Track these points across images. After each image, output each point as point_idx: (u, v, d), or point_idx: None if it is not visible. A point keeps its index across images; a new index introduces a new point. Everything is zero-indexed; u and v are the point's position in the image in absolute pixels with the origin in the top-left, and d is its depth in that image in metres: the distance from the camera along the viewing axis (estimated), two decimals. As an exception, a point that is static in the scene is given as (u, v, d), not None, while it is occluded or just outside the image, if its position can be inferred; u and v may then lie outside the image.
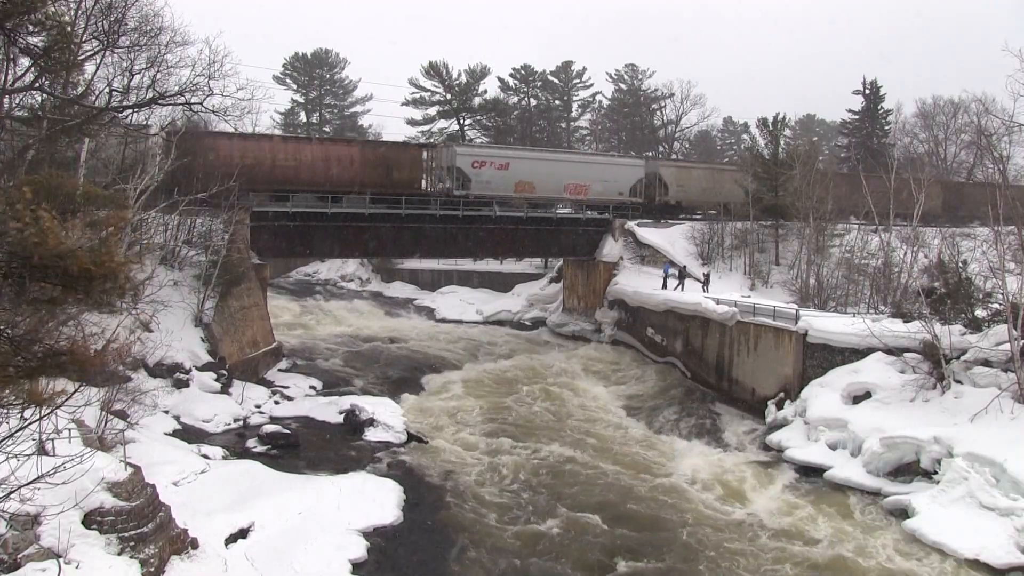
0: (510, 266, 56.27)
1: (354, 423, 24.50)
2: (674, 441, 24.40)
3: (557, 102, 79.06)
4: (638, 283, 38.43)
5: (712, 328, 30.77)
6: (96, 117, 25.50)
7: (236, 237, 30.51)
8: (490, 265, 56.49)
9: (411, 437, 23.69)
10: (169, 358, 25.01)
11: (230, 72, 27.68)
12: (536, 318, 47.89)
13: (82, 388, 12.36)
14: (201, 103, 27.43)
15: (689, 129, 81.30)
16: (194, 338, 27.19)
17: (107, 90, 27.25)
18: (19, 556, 11.07)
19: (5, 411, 8.68)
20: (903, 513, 18.20)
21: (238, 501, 16.89)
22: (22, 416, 9.04)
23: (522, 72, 75.50)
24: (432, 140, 63.40)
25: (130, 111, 28.49)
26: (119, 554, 12.46)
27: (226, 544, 15.19)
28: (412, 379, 31.85)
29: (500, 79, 75.29)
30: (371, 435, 23.82)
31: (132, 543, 12.74)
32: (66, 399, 11.05)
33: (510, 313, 49.08)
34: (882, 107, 69.95)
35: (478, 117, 70.84)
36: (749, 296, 33.07)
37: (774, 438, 23.89)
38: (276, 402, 27.20)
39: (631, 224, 42.59)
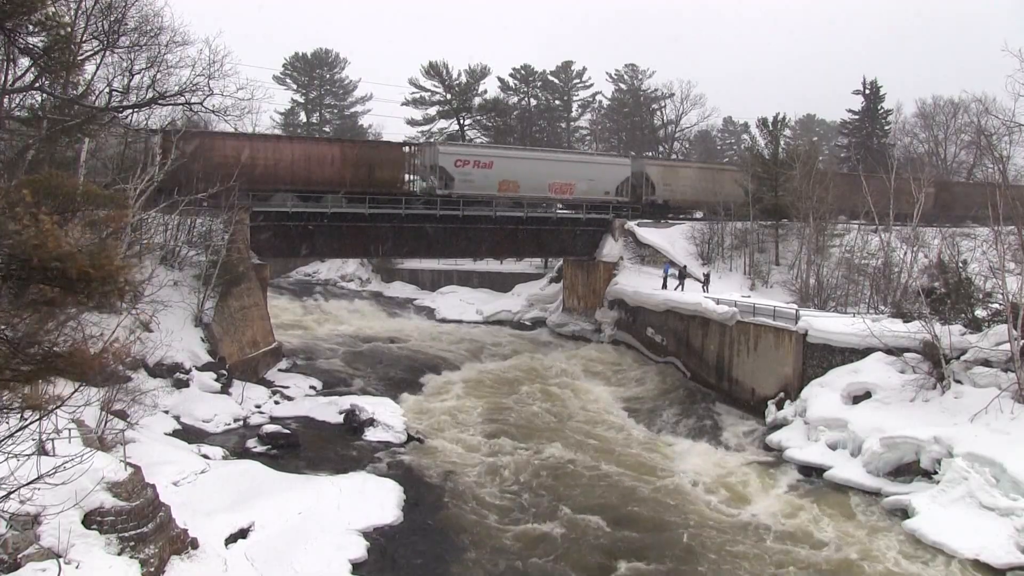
0: (510, 266, 56.27)
1: (354, 423, 24.51)
2: (674, 441, 24.40)
3: (557, 102, 79.09)
4: (638, 283, 38.42)
5: (712, 328, 30.77)
6: (96, 117, 25.54)
7: (236, 237, 30.50)
8: (490, 265, 56.49)
9: (411, 437, 23.69)
10: (169, 358, 25.01)
11: (230, 72, 27.80)
12: (536, 318, 47.89)
13: (82, 388, 12.38)
14: (201, 103, 27.52)
15: (689, 129, 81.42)
16: (194, 338, 27.19)
17: (107, 90, 27.30)
18: (19, 556, 11.07)
19: (5, 412, 8.69)
20: (903, 513, 18.21)
21: (238, 501, 16.89)
22: (22, 416, 9.04)
23: (522, 72, 75.54)
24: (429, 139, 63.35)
25: (130, 111, 28.53)
26: (119, 554, 12.46)
27: (226, 544, 15.20)
28: (412, 379, 31.85)
29: (500, 79, 75.44)
30: (371, 435, 23.82)
31: (132, 543, 12.74)
32: (66, 399, 11.07)
33: (510, 313, 49.08)
34: (882, 107, 70.01)
35: (478, 117, 70.88)
36: (749, 296, 33.06)
37: (774, 438, 23.89)
38: (276, 402, 27.20)
39: (631, 224, 42.58)
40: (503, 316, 48.69)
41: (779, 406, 25.85)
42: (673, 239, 41.62)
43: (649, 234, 41.86)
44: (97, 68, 27.03)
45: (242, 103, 29.84)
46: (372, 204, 36.17)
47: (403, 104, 70.76)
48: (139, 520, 13.05)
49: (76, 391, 11.98)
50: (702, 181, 47.44)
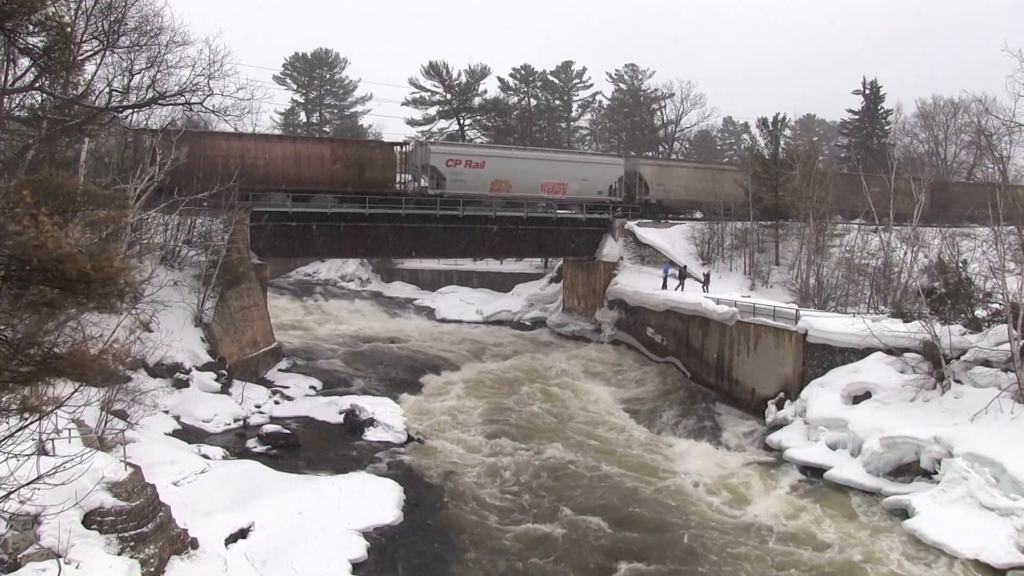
0: (510, 266, 56.28)
1: (354, 423, 24.51)
2: (675, 442, 24.39)
3: (557, 102, 79.11)
4: (638, 283, 38.43)
5: (712, 328, 30.77)
6: (96, 117, 25.53)
7: (236, 237, 30.49)
8: (490, 265, 56.50)
9: (411, 437, 23.70)
10: (169, 358, 25.01)
11: (230, 72, 27.78)
12: (536, 318, 47.90)
13: (82, 388, 12.38)
14: (201, 103, 27.51)
15: (689, 129, 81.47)
16: (194, 338, 27.19)
17: (107, 90, 27.30)
18: (19, 556, 11.08)
19: (5, 412, 8.69)
20: (903, 513, 18.20)
21: (238, 501, 16.89)
22: (22, 416, 9.05)
23: (522, 72, 75.56)
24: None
25: (130, 111, 28.53)
26: (119, 554, 12.46)
27: (226, 544, 15.20)
28: (412, 379, 31.85)
29: (500, 79, 75.46)
30: (371, 435, 23.83)
31: (132, 543, 12.75)
32: (66, 399, 11.07)
33: (510, 313, 49.09)
34: (882, 107, 69.98)
35: (478, 117, 70.89)
36: (749, 296, 33.07)
37: (774, 438, 23.89)
38: (276, 402, 27.20)
39: (631, 224, 42.58)
40: (503, 316, 48.70)
41: (779, 406, 25.85)
42: (673, 239, 41.61)
43: (649, 234, 41.85)
44: (97, 68, 27.06)
45: (242, 103, 29.88)
46: (364, 204, 35.94)
47: (403, 104, 70.87)
48: (139, 520, 13.05)
49: (76, 391, 11.99)
50: (697, 181, 47.32)
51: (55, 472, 9.18)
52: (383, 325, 45.70)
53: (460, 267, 56.65)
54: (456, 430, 24.71)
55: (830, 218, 39.39)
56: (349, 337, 40.75)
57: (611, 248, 41.95)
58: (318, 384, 30.30)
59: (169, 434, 21.60)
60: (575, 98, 79.93)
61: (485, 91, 71.61)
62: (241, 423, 24.45)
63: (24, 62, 22.96)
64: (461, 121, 70.15)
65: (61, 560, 11.26)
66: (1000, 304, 21.89)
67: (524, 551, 16.43)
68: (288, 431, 23.42)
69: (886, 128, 70.11)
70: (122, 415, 18.71)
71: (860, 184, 39.92)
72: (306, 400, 27.71)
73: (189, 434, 22.35)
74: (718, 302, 30.82)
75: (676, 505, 18.97)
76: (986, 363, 21.65)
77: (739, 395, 28.77)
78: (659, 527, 17.71)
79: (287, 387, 29.01)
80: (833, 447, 21.93)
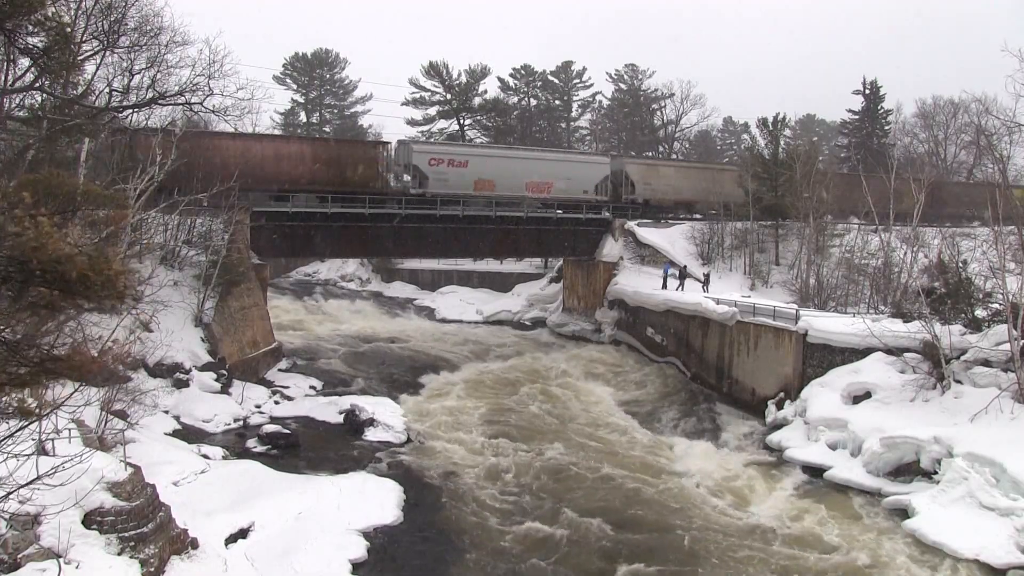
0: (510, 266, 56.27)
1: (354, 423, 24.52)
2: (675, 442, 24.37)
3: (557, 102, 79.09)
4: (638, 283, 38.43)
5: (712, 328, 30.77)
6: (96, 117, 25.53)
7: (236, 237, 30.49)
8: (490, 265, 56.50)
9: (411, 438, 23.69)
10: (169, 358, 25.01)
11: (230, 72, 27.79)
12: (536, 318, 47.90)
13: (82, 388, 12.38)
14: (201, 103, 27.51)
15: (689, 129, 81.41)
16: (194, 338, 27.20)
17: (107, 90, 27.30)
18: (19, 556, 11.08)
19: (4, 414, 8.69)
20: (903, 513, 18.19)
21: (238, 501, 16.90)
22: (21, 416, 9.04)
23: (522, 72, 75.55)
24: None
25: (130, 111, 28.54)
26: (119, 554, 12.47)
27: (226, 544, 15.21)
28: (412, 379, 31.85)
29: (500, 79, 75.44)
30: (371, 435, 23.84)
31: (132, 543, 12.75)
32: (65, 399, 11.07)
33: (510, 313, 49.10)
34: (882, 107, 69.96)
35: (478, 117, 70.88)
36: (749, 296, 33.07)
37: (774, 438, 23.89)
38: (276, 402, 27.21)
39: (631, 224, 42.56)
40: (503, 316, 48.71)
41: (779, 406, 25.85)
42: (673, 239, 41.61)
43: (649, 234, 41.85)
44: (97, 68, 27.07)
45: (242, 103, 29.91)
46: (347, 204, 35.58)
47: (403, 104, 70.83)
48: (139, 520, 13.06)
49: (76, 391, 11.99)
50: (684, 180, 47.21)
51: (55, 472, 9.18)
52: (383, 325, 45.70)
53: (460, 267, 56.65)
54: (456, 430, 24.70)
55: (833, 218, 39.40)
56: (349, 337, 40.75)
57: (611, 248, 41.94)
58: (318, 384, 30.30)
59: (169, 434, 21.60)
60: (575, 98, 79.92)
61: (485, 91, 71.69)
62: (241, 423, 24.45)
63: (24, 62, 22.94)
64: (461, 121, 70.14)
65: (61, 560, 11.26)
66: (1000, 304, 21.89)
67: (525, 552, 16.42)
68: (288, 431, 23.43)
69: (886, 128, 70.11)
70: (122, 415, 18.71)
71: (860, 184, 39.90)
72: (306, 400, 27.72)
73: (189, 434, 22.35)
74: (718, 302, 30.82)
75: (677, 506, 18.94)
76: (986, 363, 21.66)
77: (739, 395, 28.77)
78: (660, 528, 17.67)
79: (287, 387, 29.01)
80: (833, 447, 21.93)
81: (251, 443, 22.75)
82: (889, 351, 23.47)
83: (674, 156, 76.65)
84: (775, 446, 23.51)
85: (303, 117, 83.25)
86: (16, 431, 8.85)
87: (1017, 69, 21.34)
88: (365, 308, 51.66)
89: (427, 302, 53.40)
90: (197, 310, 28.05)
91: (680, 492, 19.85)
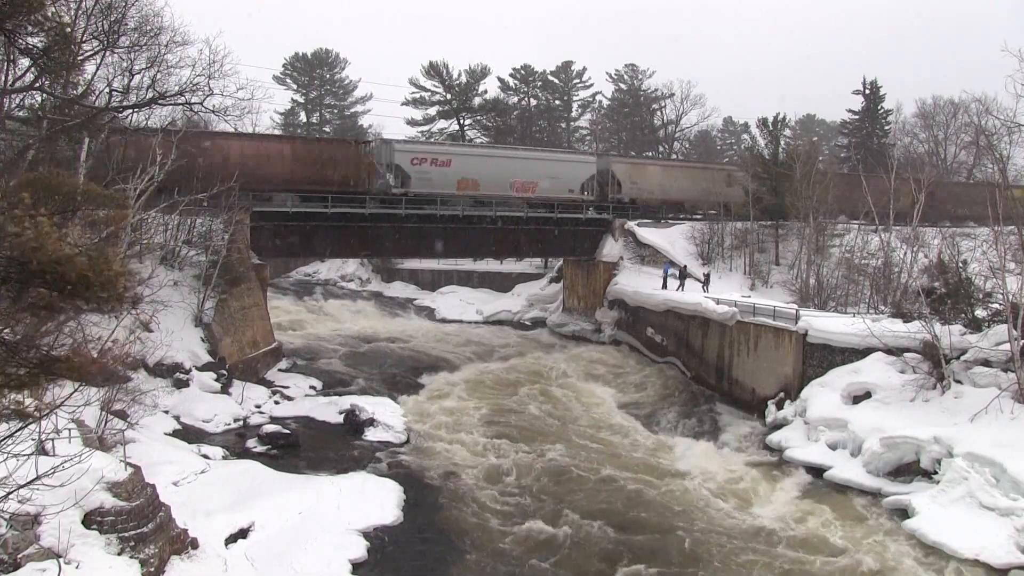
0: (510, 266, 56.28)
1: (354, 423, 24.52)
2: (675, 443, 24.33)
3: (557, 102, 79.10)
4: (638, 283, 38.42)
5: (712, 328, 30.77)
6: (96, 117, 25.53)
7: (236, 237, 30.48)
8: (490, 265, 56.51)
9: (411, 438, 23.69)
10: (169, 358, 25.01)
11: (230, 72, 27.81)
12: (536, 318, 47.90)
13: (82, 388, 12.37)
14: (201, 103, 27.53)
15: (689, 129, 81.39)
16: (194, 338, 27.20)
17: (107, 90, 27.31)
18: (19, 556, 11.08)
19: (3, 415, 8.69)
20: (903, 513, 18.18)
21: (238, 501, 16.90)
22: (19, 418, 9.04)
23: (522, 72, 75.56)
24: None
25: (130, 111, 28.54)
26: (119, 554, 12.47)
27: (226, 544, 15.20)
28: (412, 379, 31.85)
29: (500, 79, 75.45)
30: (371, 435, 23.84)
31: (132, 543, 12.75)
32: (65, 399, 11.07)
33: (510, 313, 49.11)
34: (882, 107, 69.97)
35: (478, 117, 70.91)
36: (749, 296, 33.07)
37: (774, 438, 23.89)
38: (276, 402, 27.21)
39: (631, 224, 42.55)
40: (503, 316, 48.72)
41: (779, 406, 25.85)
42: (673, 239, 41.59)
43: (649, 234, 41.83)
44: (97, 68, 27.09)
45: (242, 103, 29.91)
46: (325, 203, 35.05)
47: (403, 104, 70.90)
48: (139, 520, 13.06)
49: (75, 391, 11.98)
50: (672, 179, 47.05)
51: (54, 472, 9.18)
52: (383, 325, 45.69)
53: (460, 267, 56.66)
54: (456, 431, 24.68)
55: (833, 218, 39.39)
56: (349, 337, 40.75)
57: (611, 248, 41.93)
58: (318, 384, 30.30)
59: (169, 434, 21.60)
60: (575, 98, 79.94)
61: (485, 91, 71.74)
62: (241, 423, 24.45)
63: (24, 62, 22.97)
64: (461, 121, 70.18)
65: (61, 560, 11.26)
66: (1000, 304, 21.89)
67: (525, 553, 16.39)
68: (288, 431, 23.43)
69: (886, 128, 70.09)
70: (122, 415, 18.71)
71: (860, 184, 39.90)
72: (306, 400, 27.72)
73: (189, 434, 22.35)
74: (718, 302, 30.82)
75: (679, 508, 18.87)
76: (986, 363, 21.65)
77: (739, 395, 28.76)
78: (662, 530, 17.59)
79: (287, 387, 29.01)
80: (833, 447, 21.92)
81: (251, 443, 22.75)
82: (889, 351, 23.47)
83: (674, 156, 76.62)
84: (775, 446, 23.50)
85: (303, 117, 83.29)
86: (16, 431, 8.85)
87: (1017, 69, 21.35)
88: (365, 308, 51.68)
89: (427, 302, 53.41)
90: (197, 310, 28.05)
91: (681, 493, 19.81)
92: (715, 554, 16.40)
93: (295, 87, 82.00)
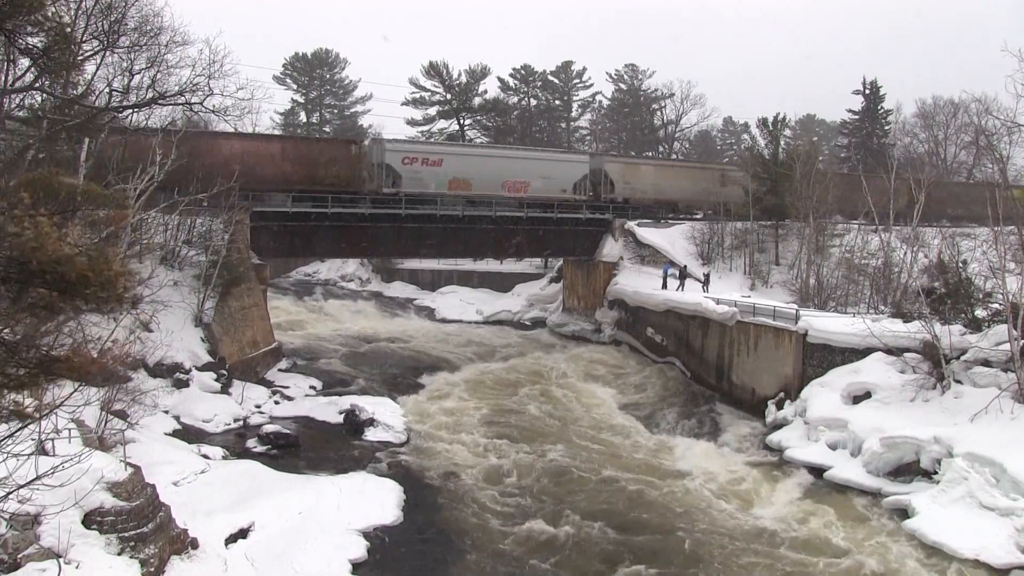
0: (510, 266, 56.28)
1: (354, 423, 24.52)
2: (675, 442, 24.33)
3: (557, 102, 79.12)
4: (638, 283, 38.42)
5: (712, 328, 30.76)
6: (96, 117, 25.54)
7: (236, 237, 30.48)
8: (490, 265, 56.51)
9: (411, 438, 23.69)
10: (169, 358, 25.01)
11: (230, 72, 27.80)
12: (536, 318, 47.91)
13: (81, 388, 12.38)
14: (201, 103, 27.53)
15: (689, 129, 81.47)
16: (194, 338, 27.20)
17: (107, 90, 27.31)
18: (19, 556, 11.08)
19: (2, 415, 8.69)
20: (903, 513, 18.18)
21: (238, 501, 16.90)
22: (18, 419, 9.04)
23: (522, 72, 75.58)
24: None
25: (130, 111, 28.54)
26: (119, 554, 12.47)
27: (226, 544, 15.20)
28: (412, 379, 31.85)
29: (500, 79, 75.48)
30: (371, 435, 23.84)
31: (132, 543, 12.75)
32: (65, 399, 11.07)
33: (510, 313, 49.11)
34: (882, 107, 70.02)
35: (478, 117, 70.93)
36: (749, 296, 33.07)
37: (774, 438, 23.88)
38: (276, 402, 27.21)
39: (631, 224, 42.54)
40: (503, 316, 48.72)
41: (779, 406, 25.84)
42: (673, 239, 41.59)
43: (649, 234, 41.83)
44: (97, 68, 27.09)
45: (242, 103, 29.90)
46: (318, 203, 35.01)
47: (403, 104, 70.97)
48: (139, 520, 13.06)
49: (75, 391, 11.99)
50: (665, 179, 46.92)
51: (54, 472, 9.18)
52: (383, 325, 45.70)
53: (460, 267, 56.67)
54: (457, 431, 24.68)
55: (830, 218, 39.38)
56: (349, 337, 40.75)
57: (611, 248, 41.93)
58: (318, 384, 30.30)
59: (169, 434, 21.60)
60: (575, 98, 79.97)
61: (485, 91, 71.78)
62: (241, 423, 24.45)
63: (24, 62, 22.98)
64: (461, 121, 70.20)
65: (61, 560, 11.26)
66: (1000, 304, 21.88)
67: (526, 554, 16.36)
68: (288, 431, 23.43)
69: (886, 128, 70.13)
70: (122, 415, 18.71)
71: (860, 184, 39.90)
72: (306, 400, 27.72)
73: (189, 434, 22.35)
74: (718, 302, 30.81)
75: (680, 508, 18.84)
76: (986, 363, 21.64)
77: (739, 395, 28.76)
78: (663, 531, 17.55)
79: (287, 387, 29.01)
80: (833, 447, 21.92)
81: (251, 443, 22.75)
82: (889, 351, 23.46)
83: (674, 156, 76.64)
84: (775, 446, 23.50)
85: (303, 117, 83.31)
86: (16, 431, 8.85)
87: (1017, 69, 21.35)
88: (365, 308, 51.68)
89: (427, 302, 53.41)
90: (197, 310, 28.05)
91: (682, 494, 19.77)
92: (717, 555, 16.35)
93: (295, 87, 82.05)
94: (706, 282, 36.34)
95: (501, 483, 20.30)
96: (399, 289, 58.64)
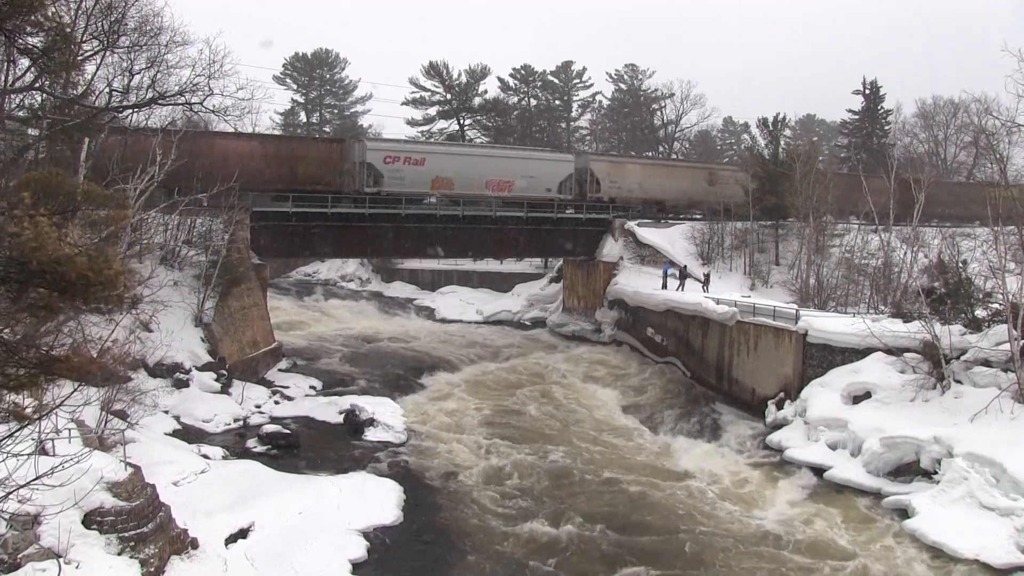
0: (510, 266, 56.28)
1: (354, 423, 24.52)
2: (675, 443, 24.34)
3: (557, 102, 79.10)
4: (638, 283, 38.41)
5: (712, 328, 30.76)
6: (96, 117, 25.53)
7: (236, 237, 30.47)
8: (490, 265, 56.51)
9: (411, 438, 23.68)
10: (169, 358, 25.01)
11: (230, 72, 27.77)
12: (536, 318, 47.90)
13: (81, 388, 12.38)
14: (201, 103, 27.51)
15: (689, 129, 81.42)
16: (194, 338, 27.20)
17: (107, 90, 27.30)
18: (19, 556, 11.08)
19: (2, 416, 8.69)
20: (903, 513, 18.18)
21: (238, 501, 16.90)
22: (17, 420, 9.04)
23: (522, 72, 75.55)
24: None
25: (130, 111, 28.53)
26: (119, 554, 12.46)
27: (226, 544, 15.20)
28: (412, 379, 31.84)
29: (500, 79, 75.44)
30: (371, 435, 23.84)
31: (132, 543, 12.75)
32: (65, 399, 11.07)
33: (510, 313, 49.09)
34: (882, 107, 70.01)
35: (478, 117, 70.93)
36: (749, 296, 33.06)
37: (774, 438, 23.87)
38: (276, 402, 27.21)
39: (631, 224, 42.53)
40: (503, 316, 48.70)
41: (779, 406, 25.84)
42: (673, 239, 41.58)
43: (649, 234, 41.82)
44: (97, 68, 27.08)
45: (242, 103, 29.87)
46: (298, 203, 34.63)
47: (403, 104, 70.95)
48: (139, 520, 13.05)
49: (75, 391, 11.99)
50: (651, 178, 46.70)
51: (54, 472, 9.18)
52: (383, 325, 45.70)
53: (460, 267, 56.65)
54: (457, 431, 24.69)
55: (830, 218, 39.38)
56: (349, 337, 40.75)
57: (611, 248, 41.92)
58: (318, 384, 30.29)
59: (169, 434, 21.60)
60: (575, 98, 79.94)
61: (485, 91, 71.76)
62: (241, 423, 24.45)
63: (24, 62, 22.97)
64: (461, 121, 70.20)
65: (61, 560, 11.26)
66: (1000, 304, 21.88)
67: (526, 555, 16.34)
68: (288, 431, 23.43)
69: (886, 128, 70.12)
70: (122, 415, 18.71)
71: (860, 184, 39.90)
72: (306, 400, 27.72)
73: (189, 434, 22.34)
74: (718, 302, 30.81)
75: (681, 510, 18.80)
76: (986, 363, 21.65)
77: (739, 395, 28.76)
78: (665, 532, 17.50)
79: (287, 387, 29.01)
80: (833, 447, 21.91)
81: (251, 443, 22.75)
82: (889, 351, 23.46)
83: (674, 156, 76.62)
84: (775, 446, 23.48)
85: (303, 117, 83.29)
86: (16, 431, 8.85)
87: (1017, 69, 21.33)
88: (365, 308, 51.67)
89: (427, 302, 53.40)
90: (197, 310, 28.05)
91: (684, 496, 19.73)
92: (720, 558, 16.26)
93: (295, 87, 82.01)
94: (706, 282, 36.34)
95: (502, 484, 20.29)
96: (399, 289, 58.63)
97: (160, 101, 27.69)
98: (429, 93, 70.40)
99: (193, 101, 27.41)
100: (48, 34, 18.63)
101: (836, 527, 17.85)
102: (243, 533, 15.72)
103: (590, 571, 15.87)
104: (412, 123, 72.59)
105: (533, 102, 77.51)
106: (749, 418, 26.78)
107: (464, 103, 69.48)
